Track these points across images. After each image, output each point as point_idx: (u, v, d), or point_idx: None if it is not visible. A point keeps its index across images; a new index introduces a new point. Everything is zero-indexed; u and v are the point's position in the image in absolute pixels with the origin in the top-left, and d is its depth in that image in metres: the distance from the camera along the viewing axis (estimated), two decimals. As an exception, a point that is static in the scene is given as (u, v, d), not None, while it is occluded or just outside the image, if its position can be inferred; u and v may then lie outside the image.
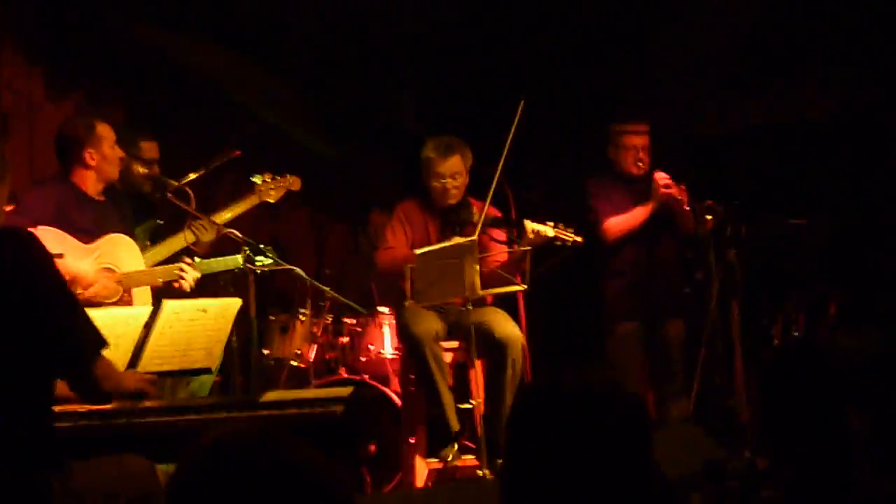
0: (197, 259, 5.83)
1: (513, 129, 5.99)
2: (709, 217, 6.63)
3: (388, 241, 6.43)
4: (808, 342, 2.79)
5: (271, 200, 6.38)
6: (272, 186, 6.37)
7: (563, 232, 6.08)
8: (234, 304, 4.90)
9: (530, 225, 6.01)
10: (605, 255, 6.93)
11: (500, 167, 5.99)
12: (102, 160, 5.82)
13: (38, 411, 3.65)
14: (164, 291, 5.71)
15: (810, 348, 2.99)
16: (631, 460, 2.12)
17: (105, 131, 5.88)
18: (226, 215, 6.18)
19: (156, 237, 6.26)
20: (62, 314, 3.72)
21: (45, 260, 3.77)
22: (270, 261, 5.77)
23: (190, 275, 5.69)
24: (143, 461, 3.94)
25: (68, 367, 3.76)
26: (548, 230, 6.03)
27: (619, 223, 6.82)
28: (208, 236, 6.06)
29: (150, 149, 6.41)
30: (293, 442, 1.92)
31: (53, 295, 3.72)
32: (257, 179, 6.34)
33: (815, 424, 2.76)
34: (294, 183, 6.46)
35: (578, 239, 6.15)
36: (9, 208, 4.91)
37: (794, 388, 2.83)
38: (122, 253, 5.83)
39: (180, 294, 5.59)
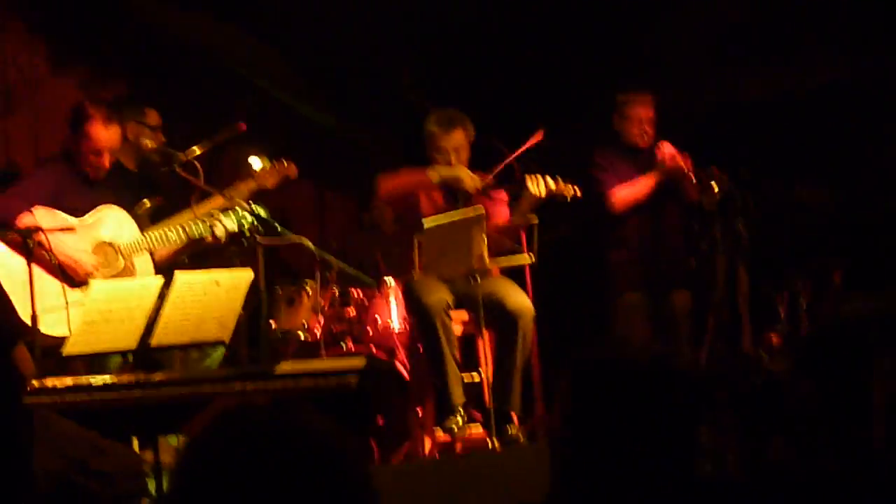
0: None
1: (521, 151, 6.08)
2: (714, 186, 6.63)
3: (392, 174, 6.42)
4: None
5: (269, 186, 6.37)
6: (270, 172, 6.35)
7: (563, 185, 6.12)
8: (247, 276, 4.92)
9: (531, 179, 6.06)
10: (609, 225, 6.91)
11: (508, 159, 6.07)
12: (95, 128, 5.83)
13: None
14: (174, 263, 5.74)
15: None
16: (685, 433, 2.14)
17: (96, 111, 5.89)
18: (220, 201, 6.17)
19: (157, 216, 6.24)
20: None
21: None
22: (278, 232, 5.77)
23: (221, 225, 5.69)
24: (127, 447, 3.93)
25: None
26: (549, 182, 6.07)
27: (624, 193, 6.81)
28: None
29: (154, 115, 6.41)
30: (309, 411, 1.92)
31: None
32: (255, 164, 6.33)
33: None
34: (290, 169, 6.45)
35: (577, 191, 6.17)
36: None
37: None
38: (115, 224, 5.83)
39: (189, 265, 5.62)
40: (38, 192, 5.68)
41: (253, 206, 5.82)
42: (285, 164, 6.41)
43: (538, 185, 6.09)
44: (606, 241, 6.99)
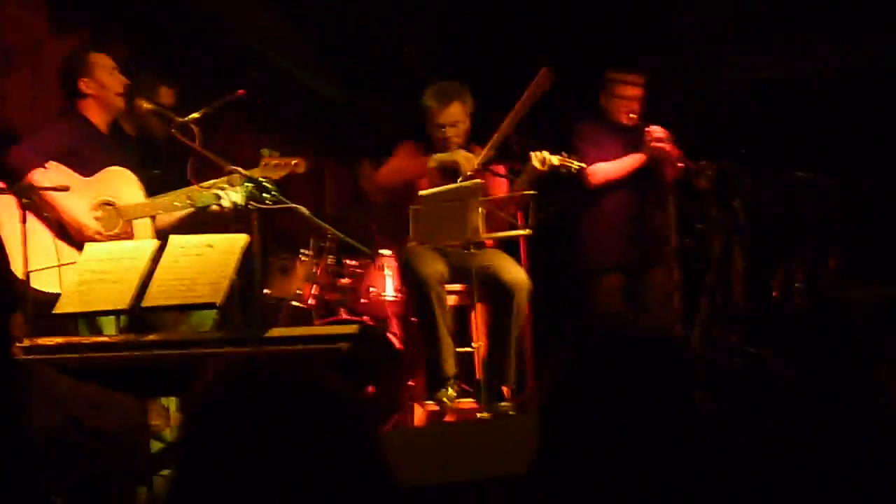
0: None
1: (527, 97, 6.03)
2: (703, 182, 6.62)
3: (391, 162, 6.41)
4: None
5: (274, 177, 6.33)
6: (277, 164, 6.31)
7: (567, 159, 6.10)
8: (241, 239, 4.91)
9: (536, 154, 6.04)
10: (586, 201, 6.85)
11: (504, 127, 6.04)
12: (101, 88, 5.87)
13: None
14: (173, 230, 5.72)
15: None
16: (680, 407, 2.14)
17: (100, 59, 5.92)
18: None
19: (154, 188, 6.21)
20: None
21: None
22: (274, 198, 5.73)
23: (228, 196, 5.67)
24: (129, 398, 3.92)
25: None
26: (553, 158, 6.06)
27: (604, 169, 6.74)
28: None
29: (167, 94, 6.41)
30: (317, 368, 1.92)
31: None
32: (265, 154, 6.28)
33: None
34: (299, 165, 6.40)
35: (583, 165, 6.16)
36: None
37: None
38: (121, 186, 5.84)
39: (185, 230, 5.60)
40: (54, 147, 5.69)
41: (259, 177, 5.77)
42: (293, 162, 6.37)
43: (540, 159, 6.08)
44: (582, 218, 6.93)
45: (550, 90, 6.16)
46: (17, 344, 3.81)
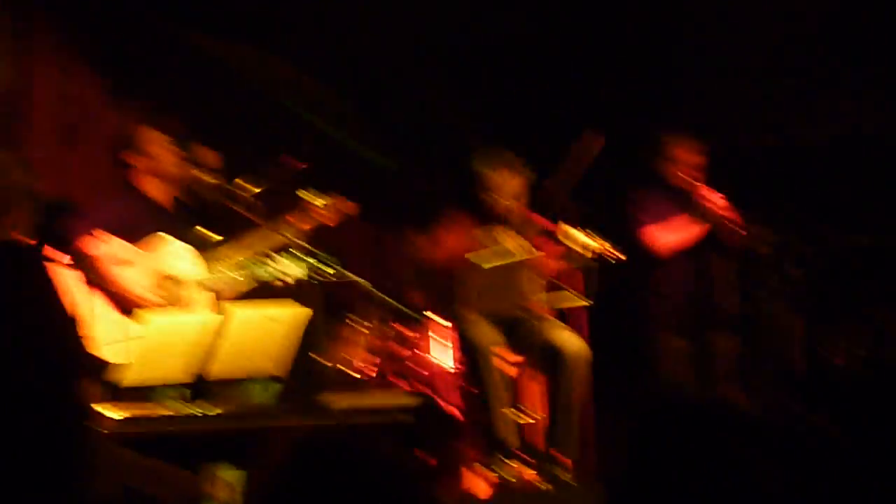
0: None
1: (573, 158, 6.05)
2: (763, 247, 6.60)
3: (440, 240, 6.40)
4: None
5: (328, 223, 6.38)
6: (328, 209, 6.36)
7: (606, 248, 6.05)
8: (304, 313, 4.93)
9: (576, 238, 6.00)
10: (651, 269, 6.85)
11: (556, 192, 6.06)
12: (154, 163, 5.90)
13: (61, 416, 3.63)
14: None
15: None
16: (744, 475, 2.13)
17: (150, 134, 5.96)
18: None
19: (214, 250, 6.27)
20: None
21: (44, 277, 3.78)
22: (334, 271, 5.76)
23: (290, 271, 5.69)
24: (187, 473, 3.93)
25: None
26: (594, 244, 6.02)
27: (665, 240, 6.76)
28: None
29: (208, 156, 6.45)
30: (385, 441, 1.93)
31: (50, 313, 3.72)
32: (317, 201, 6.33)
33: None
34: (348, 206, 6.46)
35: (623, 258, 6.11)
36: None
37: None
38: (178, 256, 5.87)
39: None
40: (113, 218, 5.74)
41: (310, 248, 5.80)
42: (345, 202, 6.43)
43: (582, 245, 6.00)
44: (646, 286, 6.90)
45: (602, 156, 6.16)
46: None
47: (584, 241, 5.96)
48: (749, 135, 8.02)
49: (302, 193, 6.28)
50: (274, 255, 6.08)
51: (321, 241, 6.56)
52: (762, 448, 2.15)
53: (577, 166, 6.10)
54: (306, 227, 6.26)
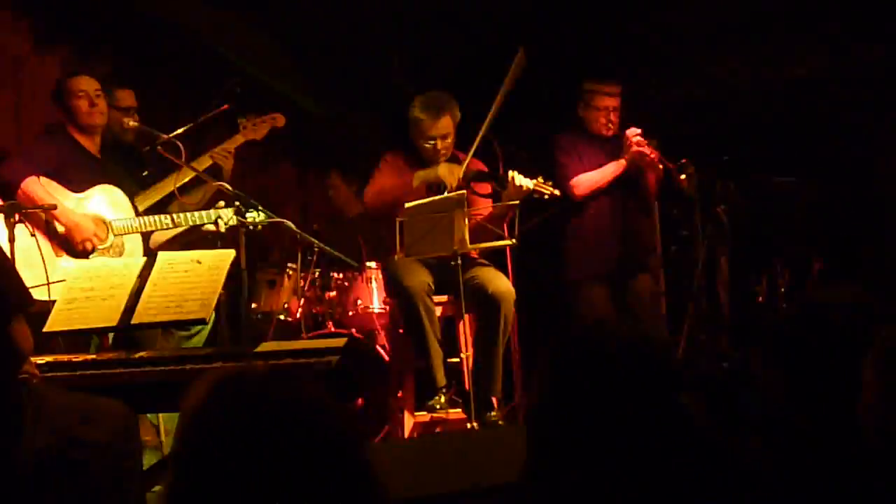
0: (187, 212, 5.84)
1: (508, 81, 6.02)
2: (683, 176, 6.62)
3: (376, 180, 6.40)
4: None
5: (257, 138, 6.41)
6: (256, 123, 6.40)
7: (543, 185, 6.06)
8: (228, 255, 4.92)
9: (515, 178, 6.00)
10: (569, 213, 6.86)
11: (487, 122, 6.03)
12: (82, 113, 5.88)
13: None
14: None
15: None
16: (667, 411, 2.15)
17: (81, 84, 5.93)
18: (207, 161, 6.23)
19: (142, 188, 6.27)
20: None
21: None
22: (261, 215, 5.74)
23: (224, 218, 5.68)
24: (121, 405, 3.90)
25: None
26: (528, 182, 6.01)
27: (587, 179, 6.77)
28: (197, 196, 6.12)
29: (125, 97, 6.41)
30: (307, 381, 1.94)
31: None
32: (242, 120, 6.36)
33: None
34: (279, 119, 6.49)
35: (556, 192, 6.12)
36: None
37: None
38: (112, 203, 5.86)
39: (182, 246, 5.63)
40: (43, 160, 5.72)
41: (235, 192, 5.79)
42: (271, 116, 6.45)
43: (518, 183, 6.01)
44: (567, 228, 6.92)
45: (529, 100, 6.17)
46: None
47: (518, 180, 5.96)
48: (670, 79, 8.06)
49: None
50: (201, 198, 6.09)
51: (247, 183, 6.57)
52: (685, 385, 2.18)
53: (506, 88, 6.08)
54: (238, 142, 6.29)
